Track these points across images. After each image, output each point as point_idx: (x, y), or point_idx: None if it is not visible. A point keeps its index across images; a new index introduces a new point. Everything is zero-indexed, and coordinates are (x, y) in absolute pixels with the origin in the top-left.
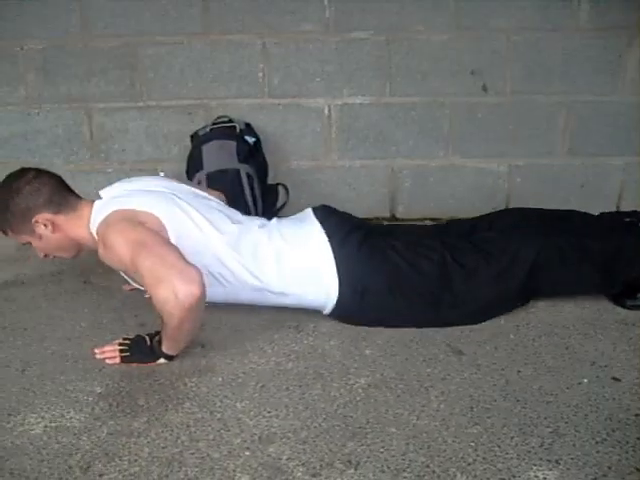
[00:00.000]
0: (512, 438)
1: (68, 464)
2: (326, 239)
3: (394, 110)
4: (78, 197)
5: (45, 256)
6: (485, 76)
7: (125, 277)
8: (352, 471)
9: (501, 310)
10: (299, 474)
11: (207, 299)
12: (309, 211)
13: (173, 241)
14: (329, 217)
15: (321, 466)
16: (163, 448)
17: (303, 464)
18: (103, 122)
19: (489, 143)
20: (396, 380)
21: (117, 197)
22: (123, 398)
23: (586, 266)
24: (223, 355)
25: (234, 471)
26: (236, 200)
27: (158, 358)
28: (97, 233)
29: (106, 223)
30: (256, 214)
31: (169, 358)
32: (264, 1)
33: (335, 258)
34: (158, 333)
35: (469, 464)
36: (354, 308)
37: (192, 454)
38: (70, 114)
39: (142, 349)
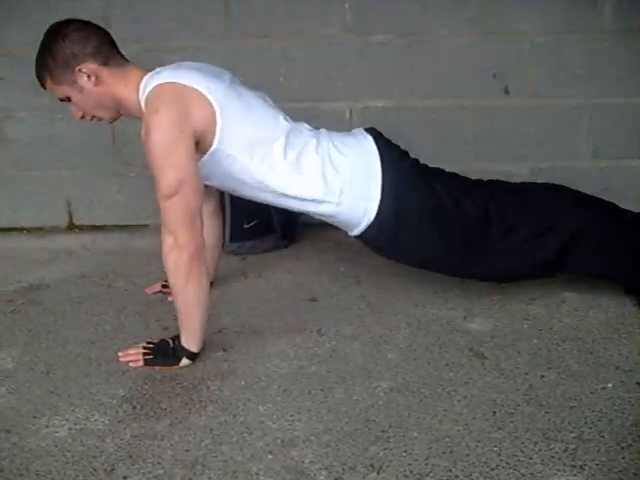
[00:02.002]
0: (536, 443)
1: (92, 466)
2: (377, 155)
3: (415, 113)
4: (127, 59)
5: (82, 117)
6: (507, 79)
7: None
8: (375, 475)
9: (525, 275)
10: (322, 478)
11: (237, 192)
12: (361, 129)
13: (219, 128)
14: (381, 137)
15: (344, 470)
16: (186, 451)
17: (326, 468)
18: (125, 127)
19: (510, 146)
20: (418, 384)
21: (175, 69)
22: (146, 401)
23: (623, 253)
24: (245, 359)
25: (257, 474)
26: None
27: (180, 360)
28: (146, 100)
29: (156, 94)
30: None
31: (191, 357)
32: (285, 5)
33: (383, 175)
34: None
35: (492, 469)
36: (386, 232)
37: (215, 457)
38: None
39: (165, 352)
